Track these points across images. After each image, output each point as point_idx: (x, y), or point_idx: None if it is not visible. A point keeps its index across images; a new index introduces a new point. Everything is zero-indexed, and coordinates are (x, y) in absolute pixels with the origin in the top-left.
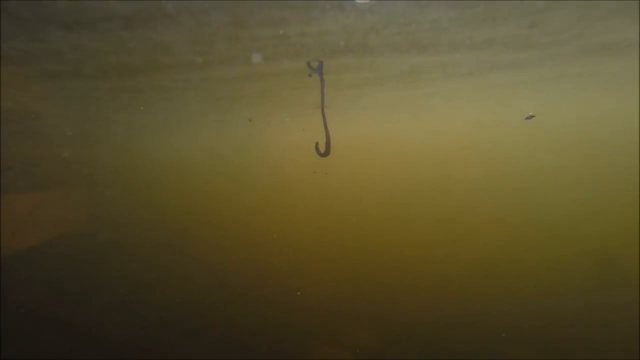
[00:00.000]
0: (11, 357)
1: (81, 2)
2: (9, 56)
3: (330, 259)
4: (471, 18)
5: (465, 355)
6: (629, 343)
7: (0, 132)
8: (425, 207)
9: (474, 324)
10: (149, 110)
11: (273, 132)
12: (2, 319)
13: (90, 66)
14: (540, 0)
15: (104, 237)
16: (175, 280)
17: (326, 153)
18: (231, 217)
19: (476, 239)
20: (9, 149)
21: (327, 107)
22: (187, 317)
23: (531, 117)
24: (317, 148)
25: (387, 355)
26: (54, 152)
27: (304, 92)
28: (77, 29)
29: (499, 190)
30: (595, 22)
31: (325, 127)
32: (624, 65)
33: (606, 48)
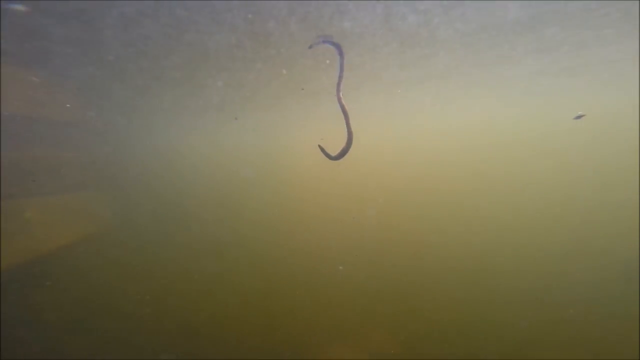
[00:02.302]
0: (11, 357)
1: None
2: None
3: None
4: None
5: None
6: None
7: None
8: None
9: (479, 323)
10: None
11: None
12: (2, 320)
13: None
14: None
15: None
16: (188, 281)
17: (341, 155)
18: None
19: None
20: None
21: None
22: (199, 319)
23: (581, 116)
24: (322, 150)
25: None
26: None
27: None
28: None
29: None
30: None
31: (347, 120)
32: None
33: None
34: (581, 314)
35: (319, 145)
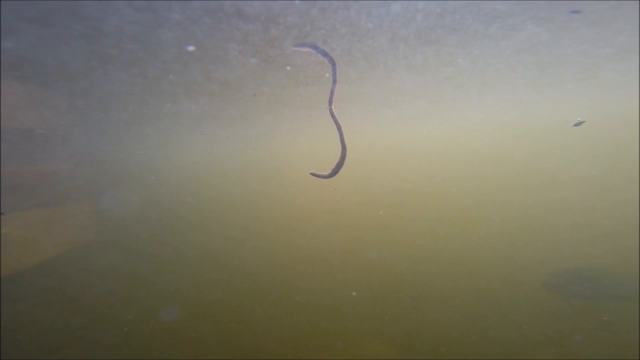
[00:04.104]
0: (11, 357)
1: None
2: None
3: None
4: None
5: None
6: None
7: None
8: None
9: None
10: None
11: None
12: (2, 320)
13: None
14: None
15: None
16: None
17: (335, 171)
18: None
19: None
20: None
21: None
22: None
23: (580, 123)
24: (315, 174)
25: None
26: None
27: None
28: None
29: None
30: None
31: (340, 133)
32: None
33: None
34: (581, 315)
35: (311, 173)
